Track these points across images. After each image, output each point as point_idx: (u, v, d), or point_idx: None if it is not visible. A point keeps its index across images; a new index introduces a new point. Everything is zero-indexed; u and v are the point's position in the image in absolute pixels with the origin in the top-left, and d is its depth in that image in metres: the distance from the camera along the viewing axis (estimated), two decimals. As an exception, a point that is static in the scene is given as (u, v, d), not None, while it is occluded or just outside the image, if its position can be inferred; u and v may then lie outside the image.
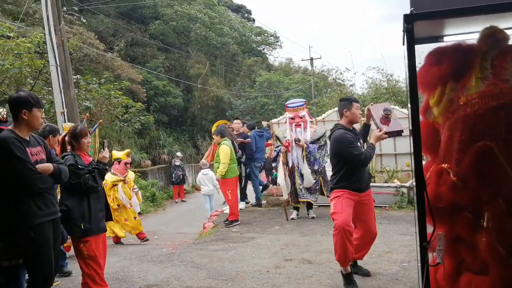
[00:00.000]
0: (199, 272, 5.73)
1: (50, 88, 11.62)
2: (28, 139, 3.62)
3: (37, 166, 3.54)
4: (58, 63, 9.89)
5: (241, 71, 33.90)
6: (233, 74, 33.32)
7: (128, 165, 8.43)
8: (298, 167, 8.48)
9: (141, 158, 20.52)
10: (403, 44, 2.51)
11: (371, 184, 9.71)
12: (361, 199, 4.86)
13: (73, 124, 8.29)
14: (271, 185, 11.15)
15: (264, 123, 12.36)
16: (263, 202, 10.64)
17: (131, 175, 8.51)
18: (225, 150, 8.49)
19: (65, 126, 7.76)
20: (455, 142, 2.48)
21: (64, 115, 9.67)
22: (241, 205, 9.94)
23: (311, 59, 35.29)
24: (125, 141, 19.90)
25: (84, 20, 25.78)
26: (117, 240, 8.41)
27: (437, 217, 2.36)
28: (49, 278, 3.67)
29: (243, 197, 10.42)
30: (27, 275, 3.91)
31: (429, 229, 2.41)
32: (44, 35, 10.64)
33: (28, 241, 3.51)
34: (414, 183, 2.44)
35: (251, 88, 31.96)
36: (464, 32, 2.77)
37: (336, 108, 12.02)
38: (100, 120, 10.22)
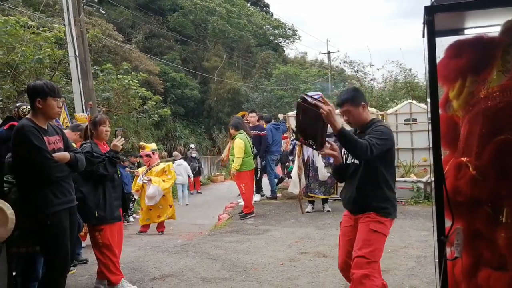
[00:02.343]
0: (214, 263, 5.76)
1: (69, 79, 11.74)
2: (45, 128, 3.64)
3: (54, 154, 3.56)
4: (77, 53, 9.99)
5: (256, 63, 33.84)
6: (249, 66, 33.28)
7: (144, 158, 8.73)
8: (313, 161, 8.46)
9: (157, 150, 20.63)
10: (423, 36, 2.47)
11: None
12: (356, 223, 3.49)
13: (82, 113, 8.52)
14: (286, 178, 11.15)
15: (281, 116, 12.37)
16: (278, 195, 10.64)
17: (158, 167, 8.71)
18: (239, 144, 8.47)
19: (77, 116, 7.94)
20: (475, 135, 2.44)
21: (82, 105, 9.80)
22: (256, 197, 9.95)
23: (329, 53, 35.13)
24: (142, 132, 20.01)
25: (103, 12, 25.96)
26: (161, 229, 8.76)
27: (455, 211, 2.33)
28: (65, 266, 3.70)
29: (258, 189, 10.43)
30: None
31: (447, 223, 2.39)
32: (64, 26, 10.73)
33: (44, 229, 3.54)
34: (433, 177, 2.41)
35: (268, 81, 31.91)
36: (485, 25, 2.72)
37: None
38: (90, 102, 10.21)
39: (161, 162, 9.07)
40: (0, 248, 3.60)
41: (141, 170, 8.97)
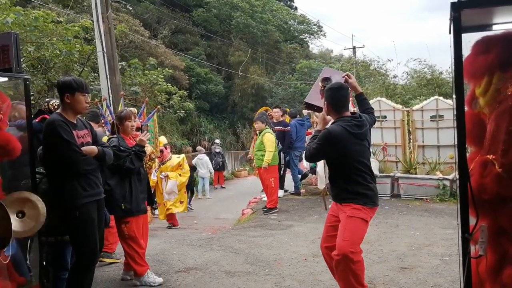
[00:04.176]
0: (237, 257, 5.82)
1: (97, 74, 11.96)
2: (75, 122, 3.74)
3: (82, 148, 3.65)
4: (104, 49, 10.15)
5: (281, 58, 33.72)
6: (273, 62, 33.21)
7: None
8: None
9: (182, 144, 20.84)
10: (450, 33, 2.45)
11: (411, 175, 9.63)
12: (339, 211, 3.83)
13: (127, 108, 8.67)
14: (310, 174, 11.13)
15: (305, 112, 12.31)
16: (302, 191, 10.64)
17: (173, 161, 8.72)
18: (270, 138, 8.56)
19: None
20: (501, 133, 2.41)
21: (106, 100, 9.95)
22: (280, 193, 9.98)
23: (354, 48, 34.78)
24: (167, 127, 20.23)
25: (130, 8, 26.25)
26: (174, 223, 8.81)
27: (480, 209, 2.32)
28: (93, 256, 3.80)
29: (282, 185, 10.44)
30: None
31: (472, 221, 2.37)
32: (92, 22, 10.93)
33: (73, 220, 3.64)
34: (458, 174, 2.40)
35: (292, 76, 31.80)
36: (514, 21, 2.68)
37: (379, 98, 11.85)
38: (159, 106, 10.50)
39: (172, 155, 9.08)
40: (32, 238, 3.73)
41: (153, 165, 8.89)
